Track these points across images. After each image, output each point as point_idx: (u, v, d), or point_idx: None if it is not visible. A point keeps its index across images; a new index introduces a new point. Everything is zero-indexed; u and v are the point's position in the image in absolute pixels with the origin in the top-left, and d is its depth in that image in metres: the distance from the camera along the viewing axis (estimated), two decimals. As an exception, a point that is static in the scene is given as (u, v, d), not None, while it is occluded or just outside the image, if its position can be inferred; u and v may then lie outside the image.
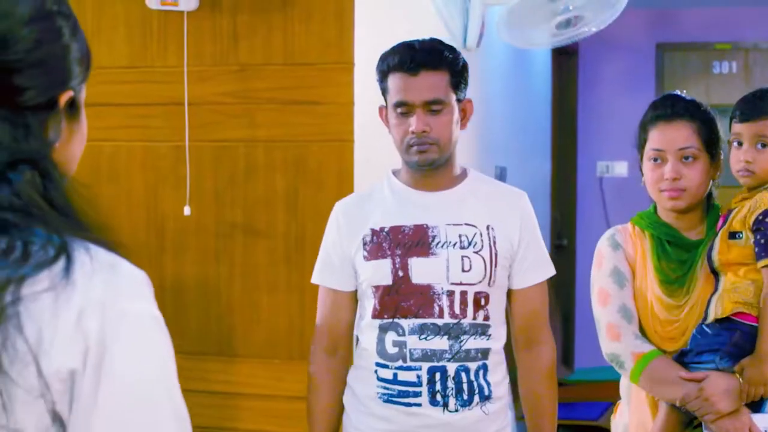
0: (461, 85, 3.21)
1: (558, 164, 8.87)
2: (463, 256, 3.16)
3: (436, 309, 3.14)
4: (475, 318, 3.17)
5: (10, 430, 1.30)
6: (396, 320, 3.17)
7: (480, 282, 3.17)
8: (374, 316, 3.21)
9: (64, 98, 1.49)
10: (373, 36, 4.26)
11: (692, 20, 9.16)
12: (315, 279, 3.39)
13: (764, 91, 3.20)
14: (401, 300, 3.16)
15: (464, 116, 3.25)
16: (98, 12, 4.40)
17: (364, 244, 3.23)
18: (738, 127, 3.17)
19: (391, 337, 3.18)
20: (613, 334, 3.21)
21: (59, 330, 1.34)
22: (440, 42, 3.25)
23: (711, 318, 3.07)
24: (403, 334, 3.16)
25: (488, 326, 3.19)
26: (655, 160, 3.21)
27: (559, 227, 8.97)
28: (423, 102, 3.14)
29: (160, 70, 4.35)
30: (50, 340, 1.34)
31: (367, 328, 3.24)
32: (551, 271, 3.34)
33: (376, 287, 3.20)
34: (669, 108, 3.23)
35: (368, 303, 3.23)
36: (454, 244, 3.17)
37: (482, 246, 3.18)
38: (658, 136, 3.22)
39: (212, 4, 4.25)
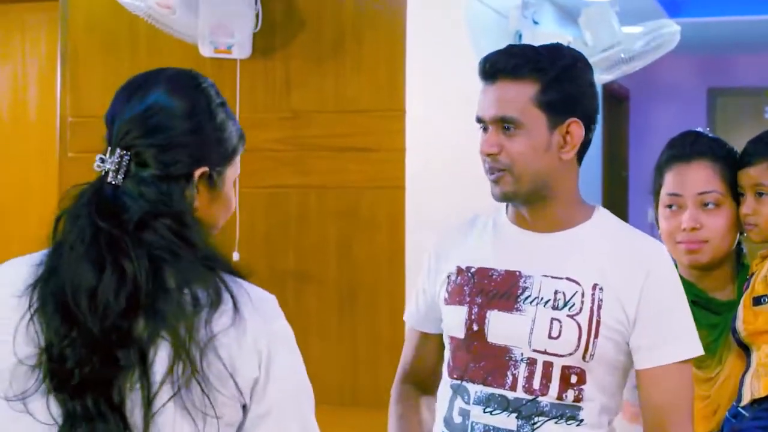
0: (562, 102, 2.48)
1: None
2: (552, 319, 2.48)
3: (509, 378, 2.50)
4: (560, 398, 2.47)
5: (216, 417, 1.87)
6: (464, 383, 2.55)
7: (570, 354, 2.46)
8: (448, 374, 2.62)
9: (197, 173, 1.99)
10: (424, 83, 4.27)
11: (744, 66, 9.13)
12: (405, 315, 2.85)
13: (760, 136, 2.80)
14: (471, 360, 2.55)
15: (566, 142, 2.50)
16: (153, 59, 4.44)
17: (448, 283, 2.63)
18: (738, 175, 2.76)
19: (458, 403, 2.57)
20: (630, 413, 2.75)
21: (243, 353, 1.90)
22: (555, 46, 2.57)
23: (747, 399, 2.61)
24: (468, 402, 2.54)
25: (579, 410, 2.48)
26: (671, 206, 2.77)
27: (611, 273, 8.91)
28: (491, 118, 2.49)
29: (213, 117, 4.37)
30: (240, 361, 1.89)
31: (443, 386, 2.65)
32: (693, 351, 2.50)
33: (451, 339, 2.61)
34: (687, 147, 2.79)
35: (446, 355, 2.65)
36: (546, 302, 2.49)
37: (581, 309, 2.47)
38: (674, 179, 2.78)
39: (265, 52, 4.28)
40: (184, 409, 1.84)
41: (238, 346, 1.89)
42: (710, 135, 2.84)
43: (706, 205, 2.72)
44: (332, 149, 4.21)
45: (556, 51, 2.53)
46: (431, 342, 2.76)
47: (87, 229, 1.88)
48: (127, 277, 1.84)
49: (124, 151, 1.94)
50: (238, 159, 2.12)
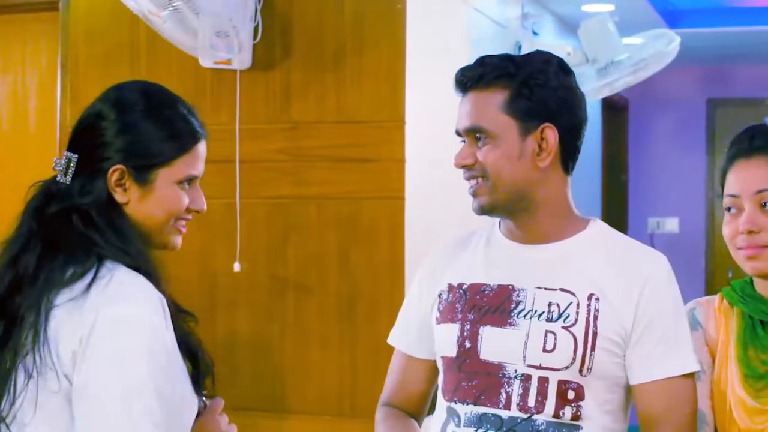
0: (532, 108, 2.40)
1: (608, 220, 8.74)
2: (547, 331, 2.36)
3: (503, 397, 2.37)
4: (557, 416, 2.34)
5: (43, 380, 2.05)
6: (455, 405, 2.43)
7: (566, 368, 2.35)
8: (442, 397, 2.49)
9: (112, 170, 2.19)
10: (424, 94, 4.27)
11: (743, 76, 9.14)
12: (390, 337, 2.71)
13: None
14: (463, 379, 2.42)
15: (541, 148, 2.41)
16: (152, 70, 4.45)
17: (439, 302, 2.53)
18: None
19: (450, 427, 2.43)
20: None
21: (70, 325, 2.05)
22: (529, 53, 2.52)
23: None
24: (459, 425, 2.41)
25: (578, 429, 2.35)
26: (729, 209, 2.46)
27: (610, 284, 8.89)
28: (464, 129, 2.45)
29: (212, 127, 4.32)
30: (64, 333, 2.06)
31: (438, 409, 2.52)
32: (690, 366, 2.39)
33: (443, 359, 2.49)
34: (746, 143, 2.47)
35: (440, 378, 2.53)
36: (540, 315, 2.38)
37: (575, 321, 2.36)
38: (732, 179, 2.46)
39: (265, 63, 4.28)
40: (24, 371, 2.07)
41: (68, 318, 2.07)
42: None
43: (764, 205, 2.39)
44: (332, 160, 4.21)
45: (527, 57, 2.49)
46: (420, 368, 2.63)
47: (24, 224, 2.22)
48: (19, 265, 2.15)
49: (69, 153, 2.23)
50: (190, 160, 2.29)
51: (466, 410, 2.40)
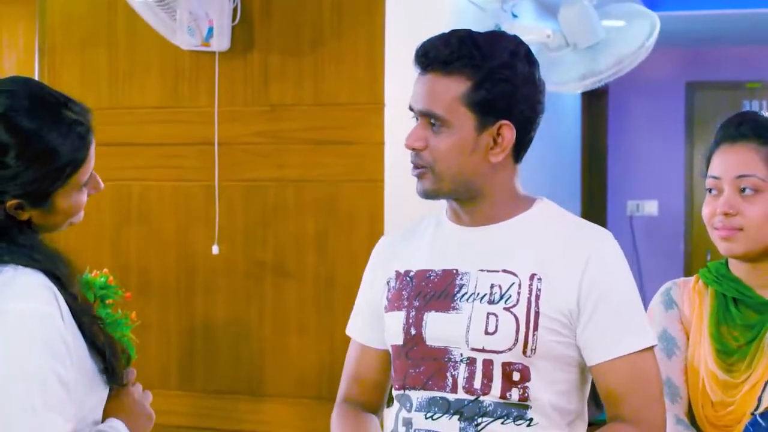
0: (493, 103, 2.31)
1: (588, 204, 8.84)
2: (489, 313, 2.32)
3: (449, 380, 2.34)
4: (504, 397, 2.31)
5: None
6: (406, 392, 2.41)
7: (509, 349, 2.30)
8: (394, 385, 2.48)
9: (9, 204, 2.15)
10: (403, 76, 4.26)
11: (722, 59, 9.15)
12: (347, 328, 2.68)
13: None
14: (410, 366, 2.40)
15: (496, 144, 2.34)
16: (131, 53, 4.43)
17: (388, 290, 2.49)
18: None
19: (402, 413, 2.42)
20: None
21: None
22: (495, 36, 2.38)
23: (765, 405, 2.43)
24: (410, 410, 2.39)
25: (527, 409, 2.32)
26: (711, 190, 2.55)
27: (589, 266, 8.92)
28: (419, 111, 2.35)
29: (191, 110, 4.38)
30: None
31: (394, 400, 2.49)
32: (646, 341, 2.34)
33: (393, 348, 2.46)
34: (734, 127, 2.55)
35: (392, 367, 2.50)
36: (482, 297, 2.34)
37: (517, 301, 2.31)
38: (716, 161, 2.55)
39: (244, 45, 4.27)
40: None
41: None
42: (763, 115, 2.59)
43: (743, 190, 2.48)
44: (310, 142, 4.21)
45: (494, 43, 2.34)
46: (374, 357, 2.59)
47: None
48: None
49: None
50: (83, 170, 2.20)
51: (417, 395, 2.38)
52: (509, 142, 2.34)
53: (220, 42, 4.18)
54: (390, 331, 2.45)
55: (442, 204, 2.48)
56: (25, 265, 2.12)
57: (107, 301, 3.70)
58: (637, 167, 9.14)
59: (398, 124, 4.15)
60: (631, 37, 5.30)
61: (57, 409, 2.01)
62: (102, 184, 2.30)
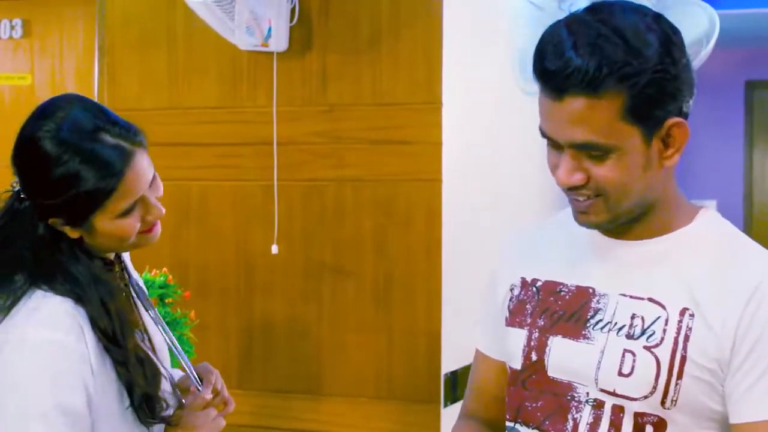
0: (657, 106, 1.91)
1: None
2: (626, 350, 1.96)
3: (570, 424, 2.01)
4: None
5: None
6: (517, 425, 2.10)
7: (645, 397, 1.94)
8: (506, 413, 2.17)
9: (51, 221, 2.22)
10: (461, 75, 4.26)
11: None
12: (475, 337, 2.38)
13: None
14: (527, 399, 2.08)
15: (669, 146, 1.97)
16: (189, 53, 4.45)
17: (510, 299, 2.19)
18: None
19: None
20: None
21: None
22: (638, 32, 1.88)
23: None
24: None
25: None
26: None
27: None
28: (567, 143, 1.93)
29: (249, 110, 4.39)
30: None
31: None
32: None
33: (510, 369, 2.16)
34: None
35: (506, 390, 2.19)
36: (620, 329, 1.97)
37: (661, 340, 1.93)
38: None
39: (302, 45, 4.28)
40: None
41: None
42: None
43: None
44: (368, 142, 4.21)
45: (642, 43, 1.88)
46: (496, 370, 2.28)
47: None
48: None
49: (18, 185, 2.28)
50: (121, 194, 2.22)
51: None
52: (684, 138, 1.98)
53: (278, 42, 4.19)
54: (509, 350, 2.16)
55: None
56: (56, 292, 2.17)
57: (166, 300, 3.73)
58: (696, 167, 9.07)
59: (456, 124, 4.15)
60: (688, 35, 5.25)
61: None
62: (162, 211, 2.32)
